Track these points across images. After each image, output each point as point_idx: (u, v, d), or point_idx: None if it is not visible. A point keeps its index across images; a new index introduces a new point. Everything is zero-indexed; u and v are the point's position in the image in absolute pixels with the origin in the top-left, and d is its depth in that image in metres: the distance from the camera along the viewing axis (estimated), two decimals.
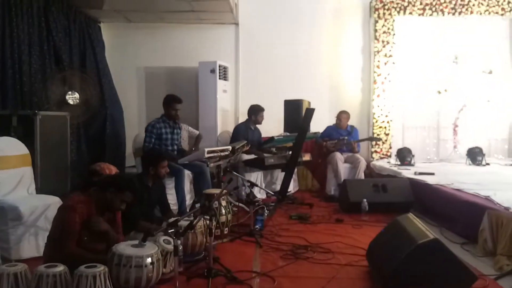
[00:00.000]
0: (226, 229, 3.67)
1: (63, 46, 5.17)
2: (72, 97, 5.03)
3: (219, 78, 6.24)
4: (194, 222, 2.69)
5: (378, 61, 6.64)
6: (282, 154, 5.48)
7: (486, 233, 3.29)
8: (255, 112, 5.61)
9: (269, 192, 4.79)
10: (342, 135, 5.90)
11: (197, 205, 3.73)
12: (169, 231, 2.58)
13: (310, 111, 4.99)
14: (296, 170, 5.82)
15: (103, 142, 5.75)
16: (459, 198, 3.87)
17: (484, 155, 6.04)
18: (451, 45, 6.63)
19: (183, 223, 2.77)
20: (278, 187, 5.39)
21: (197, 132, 5.80)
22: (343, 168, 5.57)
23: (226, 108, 6.60)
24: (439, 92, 6.69)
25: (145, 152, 4.37)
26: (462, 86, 6.64)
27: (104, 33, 6.46)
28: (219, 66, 6.24)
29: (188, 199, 4.51)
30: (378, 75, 6.66)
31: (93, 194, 2.69)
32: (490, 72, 6.58)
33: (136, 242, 2.52)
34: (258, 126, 5.76)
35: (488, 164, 5.97)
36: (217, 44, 6.78)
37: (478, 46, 6.60)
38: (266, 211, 4.32)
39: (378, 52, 6.64)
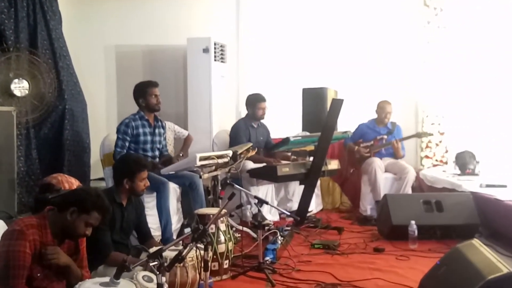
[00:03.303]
0: (226, 262, 3.66)
1: (6, 19, 5.20)
2: (19, 87, 5.06)
3: (215, 60, 6.26)
4: (184, 253, 2.68)
5: (431, 33, 6.60)
6: (301, 161, 5.47)
7: None
8: (252, 103, 5.66)
9: (284, 212, 4.78)
10: (380, 134, 5.89)
11: (187, 230, 3.73)
12: (151, 264, 2.57)
13: (338, 103, 4.99)
14: (319, 182, 5.80)
15: (60, 147, 5.76)
16: None
17: None
18: None
19: (169, 253, 2.77)
20: (295, 205, 5.38)
21: (186, 132, 5.82)
22: (383, 180, 5.55)
23: (224, 100, 6.61)
24: None
25: (117, 159, 4.37)
26: None
27: (61, 2, 6.48)
28: (215, 44, 6.26)
29: (175, 221, 4.52)
30: (430, 52, 6.61)
31: (48, 216, 2.69)
32: None
33: (107, 279, 2.52)
34: (263, 122, 5.77)
35: None
36: (211, 15, 6.81)
37: None
38: (279, 237, 4.30)
39: (428, 22, 6.62)
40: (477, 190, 4.98)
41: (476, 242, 2.96)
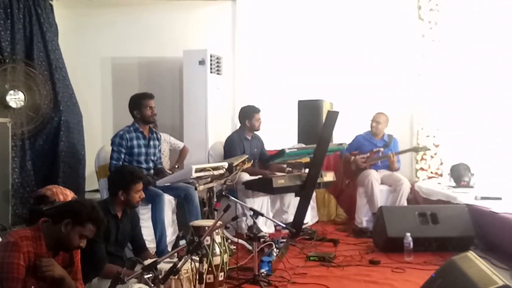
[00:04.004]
0: (222, 274, 3.65)
1: (2, 31, 5.22)
2: (15, 99, 5.07)
3: (211, 72, 6.29)
4: (179, 265, 2.68)
5: (425, 46, 6.66)
6: (296, 173, 5.48)
7: None
8: (248, 115, 5.66)
9: (279, 224, 4.78)
10: (376, 146, 5.91)
11: (182, 242, 3.72)
12: (145, 276, 2.57)
13: (333, 115, 5.01)
14: (315, 194, 5.81)
15: (55, 158, 5.77)
16: None
17: None
18: None
19: (164, 266, 2.75)
20: (291, 217, 5.38)
21: (181, 144, 5.82)
22: (379, 192, 5.56)
23: (220, 112, 6.63)
24: None
25: (112, 171, 4.37)
26: None
27: (58, 14, 6.49)
28: (211, 56, 6.29)
29: (170, 233, 4.51)
30: (425, 65, 6.66)
31: (42, 227, 2.69)
32: None
33: None
34: (258, 133, 5.79)
35: None
36: (207, 27, 6.85)
37: None
38: (275, 249, 4.30)
39: (423, 36, 6.67)
40: (472, 202, 4.99)
41: (471, 254, 2.95)
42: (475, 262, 2.84)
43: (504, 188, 5.79)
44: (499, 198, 5.07)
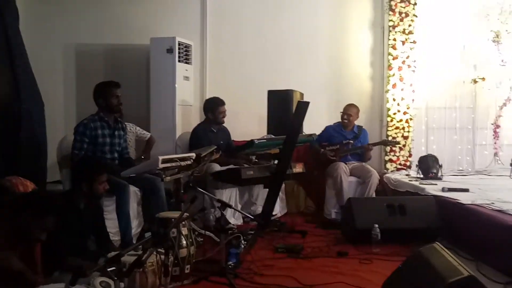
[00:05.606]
0: (188, 266, 3.65)
1: None
2: None
3: (179, 61, 6.25)
4: (144, 258, 2.67)
5: (394, 39, 6.76)
6: (265, 164, 5.49)
7: None
8: (211, 107, 5.68)
9: (247, 215, 4.79)
10: (346, 138, 5.96)
11: (148, 234, 3.70)
12: (109, 269, 2.55)
13: (303, 105, 5.01)
14: (284, 186, 5.84)
15: (15, 149, 5.64)
16: (502, 223, 3.93)
17: None
18: (491, 19, 6.76)
19: (128, 258, 2.75)
20: (259, 209, 5.40)
21: (148, 134, 5.77)
22: (348, 183, 5.62)
23: (189, 102, 6.60)
24: (475, 81, 6.84)
25: (75, 162, 4.32)
26: (505, 73, 6.81)
27: None
28: (179, 44, 6.25)
29: (135, 226, 4.48)
30: (393, 58, 6.77)
31: (1, 219, 2.64)
32: None
33: (62, 285, 2.49)
34: (225, 125, 5.81)
35: None
36: (176, 14, 6.79)
37: None
38: (243, 241, 4.31)
39: (393, 27, 6.76)
40: (439, 194, 5.09)
41: (437, 245, 3.01)
42: (441, 253, 2.90)
43: (470, 181, 5.95)
44: (466, 190, 5.19)
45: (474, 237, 4.28)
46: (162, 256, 2.94)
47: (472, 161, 6.96)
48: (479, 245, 4.15)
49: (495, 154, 6.93)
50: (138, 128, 5.74)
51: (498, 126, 6.92)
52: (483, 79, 6.82)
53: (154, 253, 2.97)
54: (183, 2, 6.85)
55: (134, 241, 4.21)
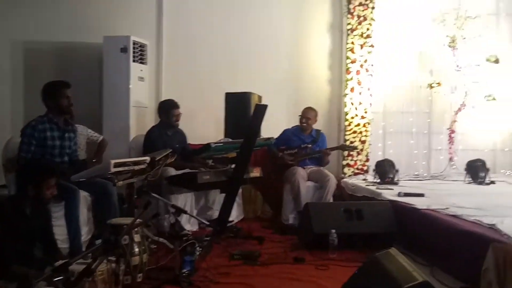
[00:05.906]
0: (140, 275, 3.59)
1: None
2: None
3: (134, 61, 6.20)
4: (93, 266, 2.61)
5: (352, 43, 6.87)
6: (222, 168, 5.47)
7: (490, 274, 3.43)
8: (165, 110, 5.66)
9: (203, 221, 4.76)
10: (305, 142, 6.01)
11: (98, 242, 3.64)
12: (56, 279, 2.49)
13: (262, 108, 5.03)
14: (240, 190, 5.83)
15: None
16: (456, 228, 4.02)
17: (488, 170, 6.38)
18: (448, 24, 6.92)
19: (77, 267, 2.69)
20: (216, 213, 5.36)
21: (100, 136, 5.65)
22: (306, 188, 5.66)
23: (143, 103, 6.54)
24: (431, 87, 7.01)
25: (22, 165, 4.20)
26: (460, 79, 6.99)
27: None
28: (134, 43, 6.19)
29: (85, 232, 4.39)
30: (351, 62, 6.87)
31: None
32: (496, 61, 6.93)
33: None
34: (181, 128, 5.78)
35: (493, 182, 6.31)
36: (131, 11, 6.72)
37: (480, 27, 6.92)
38: (198, 248, 4.27)
39: (352, 30, 6.86)
40: (395, 198, 5.18)
41: (393, 251, 3.06)
42: (396, 258, 2.95)
43: (426, 185, 6.09)
44: (422, 195, 5.31)
45: (429, 242, 4.36)
46: (113, 264, 2.88)
47: (428, 165, 7.15)
48: (434, 250, 4.24)
49: (450, 159, 7.13)
50: (89, 130, 5.62)
51: (453, 131, 7.12)
52: (439, 84, 6.97)
53: (105, 261, 2.92)
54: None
55: (84, 249, 4.12)
